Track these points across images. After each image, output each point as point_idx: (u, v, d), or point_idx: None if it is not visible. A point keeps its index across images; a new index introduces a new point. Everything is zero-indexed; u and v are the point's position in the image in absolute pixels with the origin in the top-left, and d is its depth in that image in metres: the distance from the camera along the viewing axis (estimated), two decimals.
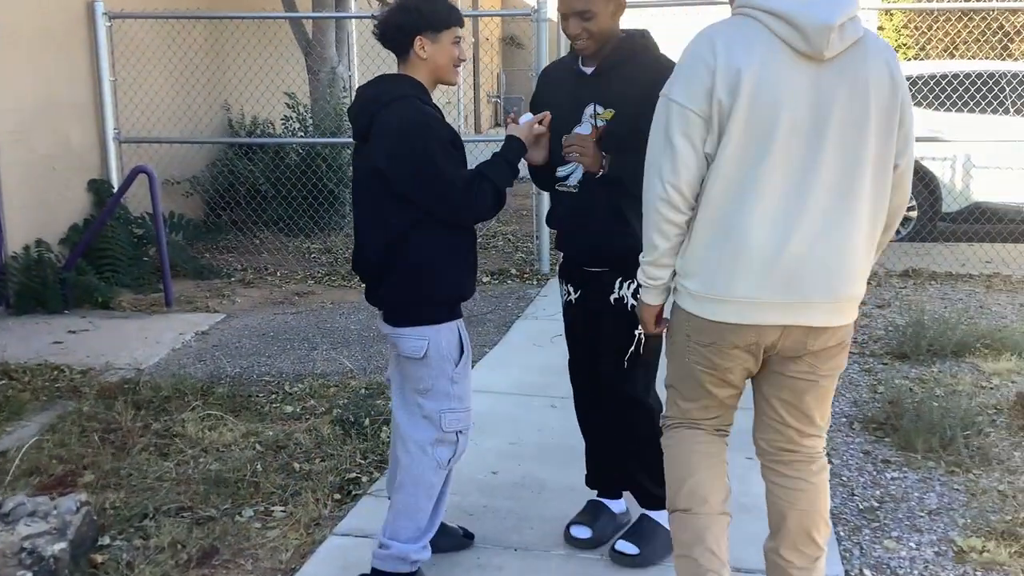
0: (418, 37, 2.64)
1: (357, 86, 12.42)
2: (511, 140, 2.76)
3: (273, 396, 4.52)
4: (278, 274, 7.28)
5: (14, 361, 5.00)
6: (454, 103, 20.75)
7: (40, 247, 6.32)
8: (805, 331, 2.26)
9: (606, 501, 3.19)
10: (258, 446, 3.88)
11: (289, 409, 4.32)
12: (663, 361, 2.60)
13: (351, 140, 8.82)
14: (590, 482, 3.23)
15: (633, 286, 2.79)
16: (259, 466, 3.67)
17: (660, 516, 2.94)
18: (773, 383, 2.37)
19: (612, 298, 2.85)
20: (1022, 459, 3.75)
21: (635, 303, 2.76)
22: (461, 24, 2.70)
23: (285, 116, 9.04)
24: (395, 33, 2.67)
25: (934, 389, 4.49)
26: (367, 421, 4.04)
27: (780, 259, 2.19)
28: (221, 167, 8.47)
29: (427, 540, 2.76)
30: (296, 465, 3.69)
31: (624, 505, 3.20)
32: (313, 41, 9.01)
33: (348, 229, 8.80)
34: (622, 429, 2.97)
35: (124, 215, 7.03)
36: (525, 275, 7.23)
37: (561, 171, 2.89)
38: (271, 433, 4.01)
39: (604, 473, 3.17)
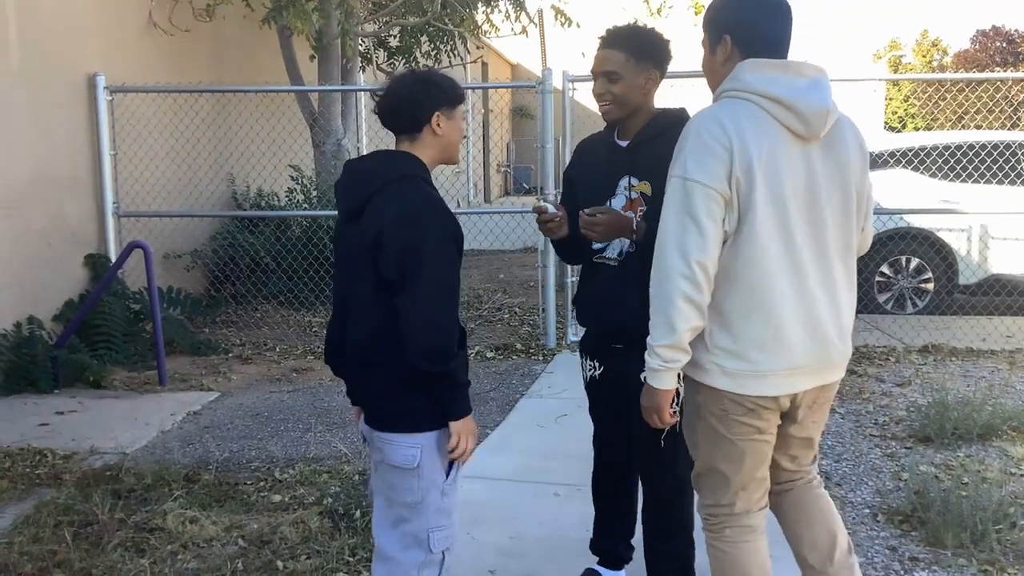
0: (437, 112, 2.46)
1: None
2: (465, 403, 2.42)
3: (262, 483, 4.29)
4: (277, 349, 7.09)
5: None
6: (464, 173, 20.83)
7: (32, 324, 6.17)
8: (827, 386, 2.50)
9: (604, 572, 3.19)
10: (241, 541, 3.64)
11: (277, 498, 4.09)
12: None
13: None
14: (595, 549, 3.22)
15: None
16: (240, 564, 3.43)
17: None
18: (789, 430, 2.53)
19: (643, 376, 2.68)
20: None
21: None
22: (464, 101, 2.56)
23: (290, 188, 8.96)
24: (411, 108, 2.45)
25: (961, 477, 4.22)
26: (358, 513, 3.79)
27: (812, 328, 2.36)
28: (223, 240, 8.36)
29: None
30: (280, 563, 3.44)
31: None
32: (318, 114, 8.97)
33: None
34: (658, 511, 2.94)
35: (121, 290, 6.89)
36: (531, 350, 7.01)
37: (597, 244, 2.87)
38: (256, 526, 3.77)
39: (614, 543, 3.16)
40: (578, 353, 3.10)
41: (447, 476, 2.47)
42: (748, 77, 2.31)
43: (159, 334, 6.10)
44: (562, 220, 2.84)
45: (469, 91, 19.91)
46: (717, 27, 2.41)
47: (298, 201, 8.90)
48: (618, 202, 2.82)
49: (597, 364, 2.96)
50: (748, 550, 2.48)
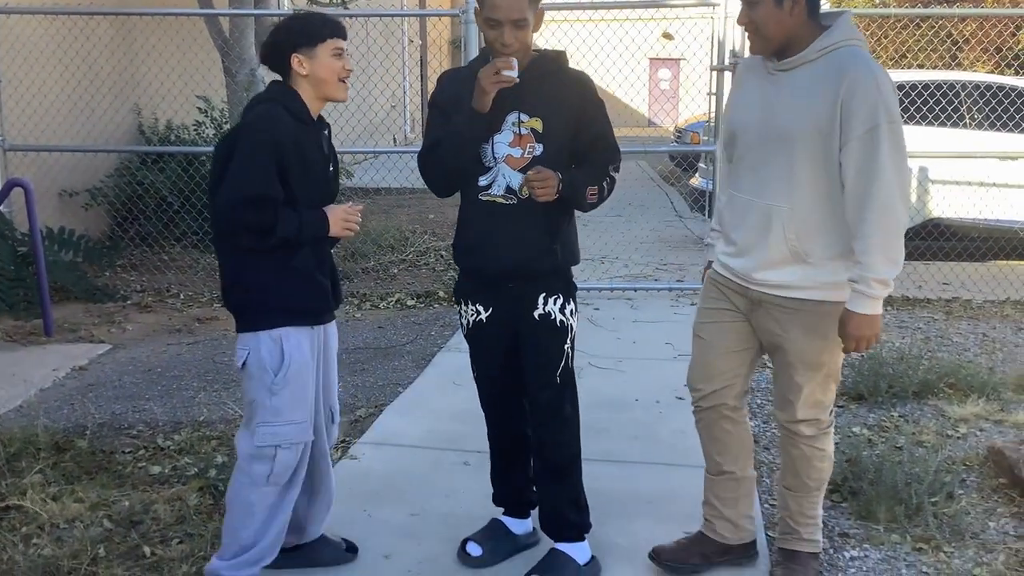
0: (294, 54, 2.62)
1: None
2: (320, 223, 2.66)
3: (141, 452, 3.89)
4: (181, 296, 6.62)
5: None
6: (399, 109, 20.15)
7: None
8: None
9: (509, 521, 3.10)
10: (107, 521, 3.25)
11: (156, 470, 3.70)
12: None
13: None
14: (498, 500, 3.13)
15: (559, 301, 2.80)
16: (102, 550, 3.05)
17: (573, 549, 2.90)
18: None
19: (537, 314, 2.79)
20: (997, 531, 3.26)
21: (563, 318, 2.81)
22: (341, 36, 2.65)
23: (197, 121, 8.37)
24: (271, 52, 2.66)
25: (896, 440, 3.99)
26: None
27: None
28: (126, 176, 7.77)
29: (255, 562, 2.69)
30: (147, 549, 3.06)
31: (530, 525, 3.11)
32: (231, 40, 8.34)
33: None
34: (552, 452, 2.88)
35: (8, 232, 6.33)
36: (454, 298, 6.63)
37: (483, 180, 2.75)
38: (127, 503, 3.39)
39: (516, 492, 3.08)
40: (455, 302, 2.99)
41: (275, 375, 2.60)
42: (856, 31, 2.61)
43: (43, 279, 5.59)
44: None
45: (402, 20, 19.16)
46: None
47: (208, 136, 8.32)
48: (504, 137, 2.72)
49: (482, 308, 2.86)
50: None
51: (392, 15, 7.62)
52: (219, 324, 5.98)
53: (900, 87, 7.67)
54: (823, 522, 3.22)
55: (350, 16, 7.71)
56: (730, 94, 2.91)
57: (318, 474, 2.89)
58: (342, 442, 4.01)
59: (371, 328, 5.93)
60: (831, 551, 3.13)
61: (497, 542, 3.04)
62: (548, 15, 2.87)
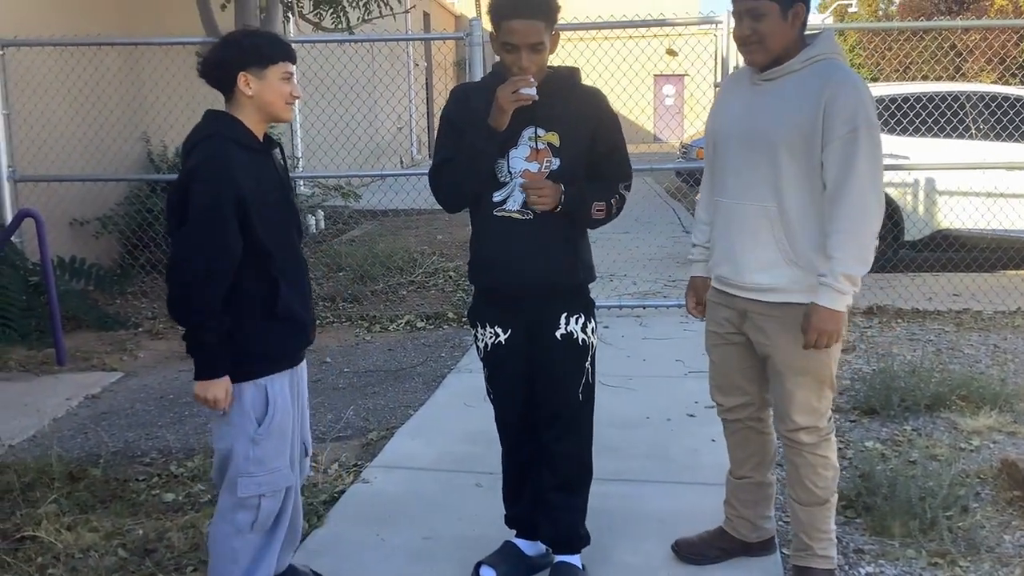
0: (242, 73, 2.50)
1: (297, 115, 11.91)
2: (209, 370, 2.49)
3: (155, 479, 3.90)
4: None
5: None
6: (406, 131, 20.26)
7: None
8: None
9: (521, 543, 3.09)
10: (121, 550, 3.26)
11: (169, 498, 3.71)
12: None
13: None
14: (511, 522, 3.11)
15: (580, 320, 2.82)
16: None
17: (575, 559, 2.96)
18: None
19: (559, 334, 2.80)
20: (1013, 545, 3.25)
21: (585, 337, 2.84)
22: (291, 59, 2.57)
23: None
24: (215, 70, 2.52)
25: (909, 454, 3.98)
26: None
27: None
28: (136, 204, 7.82)
29: None
30: None
31: (542, 547, 3.08)
32: None
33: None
34: (568, 466, 2.90)
35: (19, 262, 6.38)
36: (463, 319, 6.65)
37: (497, 195, 2.75)
38: (141, 532, 3.39)
39: (530, 513, 3.04)
40: (471, 324, 2.95)
41: (259, 424, 2.53)
42: (837, 45, 2.75)
43: (55, 308, 5.62)
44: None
45: (407, 44, 19.25)
46: None
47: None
48: (520, 152, 2.73)
49: (500, 330, 2.84)
50: None
51: (398, 39, 7.66)
52: None
53: (905, 99, 7.69)
54: (837, 538, 3.21)
55: (356, 41, 7.77)
56: (714, 105, 2.99)
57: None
58: (354, 466, 4.02)
59: (381, 351, 5.94)
60: (846, 567, 3.12)
61: (510, 565, 3.02)
62: None
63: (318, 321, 6.56)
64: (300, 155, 11.25)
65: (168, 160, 8.61)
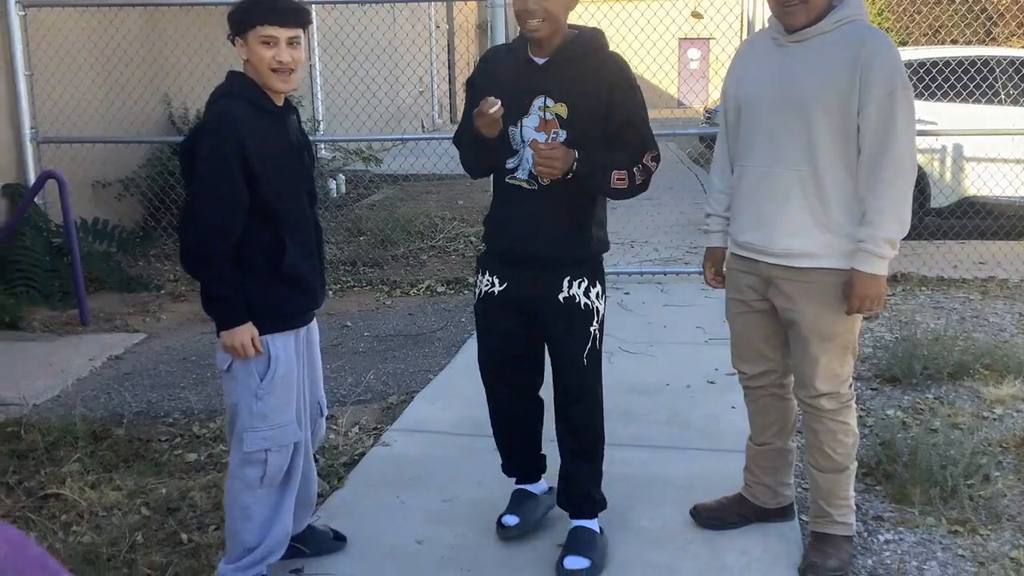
0: (236, 38, 2.51)
1: (318, 77, 11.87)
2: (227, 317, 2.52)
3: (177, 439, 3.94)
4: None
5: None
6: (427, 95, 20.15)
7: None
8: None
9: (528, 487, 3.18)
10: (144, 509, 3.30)
11: (192, 457, 3.75)
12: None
13: None
14: (509, 471, 3.18)
15: (584, 284, 2.80)
16: (140, 537, 3.10)
17: (592, 523, 2.97)
18: None
19: (561, 297, 2.80)
20: None
21: (588, 301, 2.81)
22: (271, 22, 2.45)
23: None
24: (228, 34, 2.56)
25: (931, 422, 3.95)
26: None
27: None
28: (158, 166, 7.84)
29: (261, 560, 2.65)
30: (184, 535, 3.11)
31: (544, 484, 3.20)
32: None
33: None
34: (581, 434, 2.90)
35: (42, 223, 6.42)
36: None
37: (510, 163, 2.76)
38: (164, 491, 3.43)
39: (524, 462, 3.15)
40: (476, 269, 2.99)
41: (261, 380, 2.55)
42: (865, 8, 2.71)
43: (77, 270, 5.66)
44: (500, 118, 2.61)
45: (429, 5, 19.14)
46: None
47: None
48: (531, 121, 2.71)
49: (497, 281, 2.87)
50: None
51: (420, 0, 7.60)
52: None
53: (934, 63, 7.56)
54: (856, 505, 3.20)
55: (378, 2, 7.71)
56: (733, 69, 2.92)
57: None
58: (373, 429, 4.04)
59: (401, 315, 5.95)
60: (865, 534, 3.11)
61: (528, 509, 3.10)
62: None
63: (339, 285, 6.59)
64: (321, 118, 11.22)
65: (188, 122, 8.61)
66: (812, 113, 2.61)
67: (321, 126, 10.79)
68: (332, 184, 10.60)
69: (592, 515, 2.97)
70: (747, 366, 3.00)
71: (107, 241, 6.91)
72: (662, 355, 4.97)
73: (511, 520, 3.05)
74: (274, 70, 2.47)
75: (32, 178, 6.62)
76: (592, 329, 2.83)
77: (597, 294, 2.84)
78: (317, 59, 12.41)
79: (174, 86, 8.58)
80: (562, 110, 2.68)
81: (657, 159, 2.77)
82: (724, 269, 3.06)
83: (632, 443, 3.78)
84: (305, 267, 2.62)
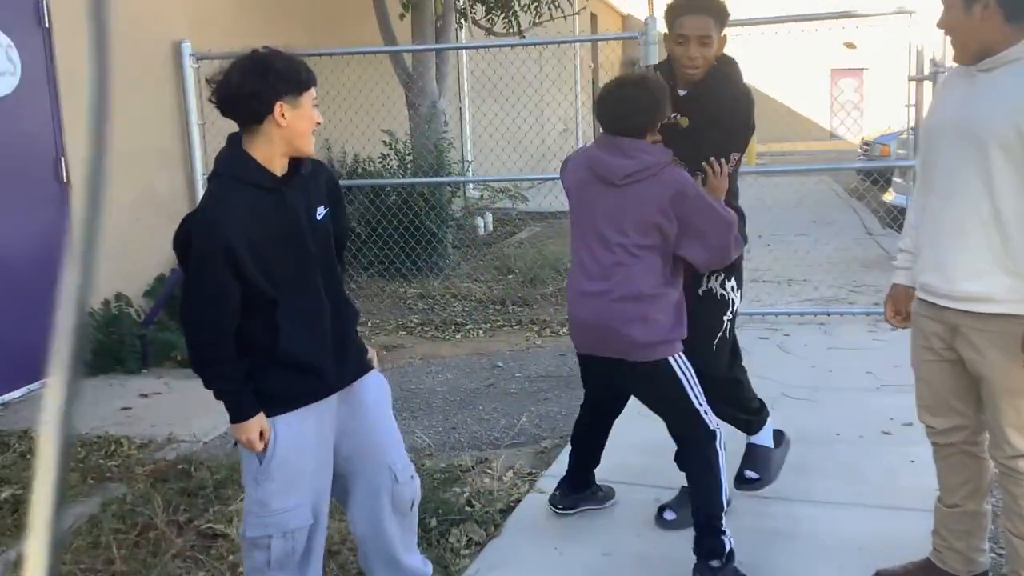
0: (279, 103, 2.30)
1: (468, 119, 12.09)
2: (238, 411, 2.43)
3: None
4: (369, 324, 6.82)
5: (77, 432, 4.65)
6: (572, 130, 20.23)
7: (120, 301, 6.04)
8: None
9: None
10: None
11: None
12: None
13: (448, 179, 8.23)
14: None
15: (720, 277, 3.13)
16: None
17: (758, 438, 3.37)
18: None
19: (700, 291, 3.13)
20: None
21: (724, 292, 3.14)
22: (316, 83, 2.41)
23: (382, 154, 8.65)
24: (249, 100, 2.30)
25: None
26: (433, 521, 3.44)
27: None
28: None
29: None
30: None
31: None
32: (414, 75, 8.60)
33: (448, 271, 8.32)
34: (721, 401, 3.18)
35: None
36: None
37: None
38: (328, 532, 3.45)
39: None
40: None
41: (260, 463, 2.47)
42: None
43: None
44: None
45: (577, 45, 19.25)
46: None
47: (392, 167, 8.58)
48: None
49: None
50: None
51: (574, 41, 7.63)
52: (405, 352, 6.11)
53: None
54: None
55: (527, 45, 7.78)
56: (932, 100, 2.78)
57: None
58: (528, 474, 3.97)
59: (552, 356, 5.89)
60: None
61: (685, 502, 3.29)
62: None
63: (488, 324, 6.60)
64: (471, 159, 11.40)
65: (347, 166, 8.90)
66: (988, 147, 2.42)
67: (471, 166, 10.97)
68: (480, 222, 10.73)
69: (757, 430, 3.35)
70: (936, 420, 2.77)
71: None
72: (830, 402, 4.70)
73: (669, 515, 3.38)
74: (312, 132, 2.41)
75: None
76: (724, 319, 3.15)
77: (732, 287, 3.16)
78: (467, 102, 12.67)
79: (334, 132, 8.89)
80: (684, 122, 3.03)
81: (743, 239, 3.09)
82: (910, 308, 2.86)
83: (802, 498, 3.56)
84: (308, 350, 2.46)
